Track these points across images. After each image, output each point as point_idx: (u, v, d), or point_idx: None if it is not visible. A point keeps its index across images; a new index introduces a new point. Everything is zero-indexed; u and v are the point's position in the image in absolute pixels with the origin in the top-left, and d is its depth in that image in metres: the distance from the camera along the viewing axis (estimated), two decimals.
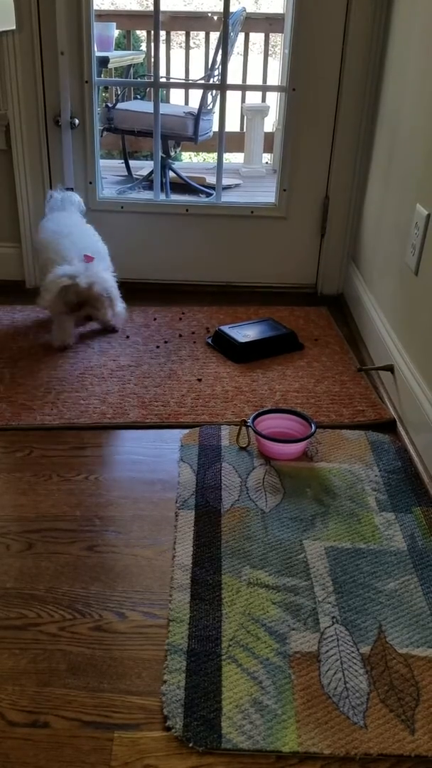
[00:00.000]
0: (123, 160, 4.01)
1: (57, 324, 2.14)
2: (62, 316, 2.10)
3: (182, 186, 3.75)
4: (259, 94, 4.91)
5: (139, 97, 4.76)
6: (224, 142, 2.60)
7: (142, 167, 4.08)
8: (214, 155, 3.91)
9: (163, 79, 4.39)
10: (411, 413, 1.72)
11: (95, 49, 2.40)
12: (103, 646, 1.16)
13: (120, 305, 2.10)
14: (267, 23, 4.60)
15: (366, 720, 1.04)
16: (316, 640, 1.16)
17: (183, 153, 5.34)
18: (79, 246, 2.07)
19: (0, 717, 1.04)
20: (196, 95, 4.12)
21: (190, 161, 5.45)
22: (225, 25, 2.59)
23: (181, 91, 5.04)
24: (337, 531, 1.42)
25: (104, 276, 2.04)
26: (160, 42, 3.00)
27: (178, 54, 5.04)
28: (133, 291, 2.63)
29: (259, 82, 4.81)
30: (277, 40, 4.77)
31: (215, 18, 4.68)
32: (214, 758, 0.99)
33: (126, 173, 3.97)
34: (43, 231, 2.20)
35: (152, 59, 2.83)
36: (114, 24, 4.15)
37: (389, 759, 0.99)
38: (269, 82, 4.83)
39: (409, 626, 1.20)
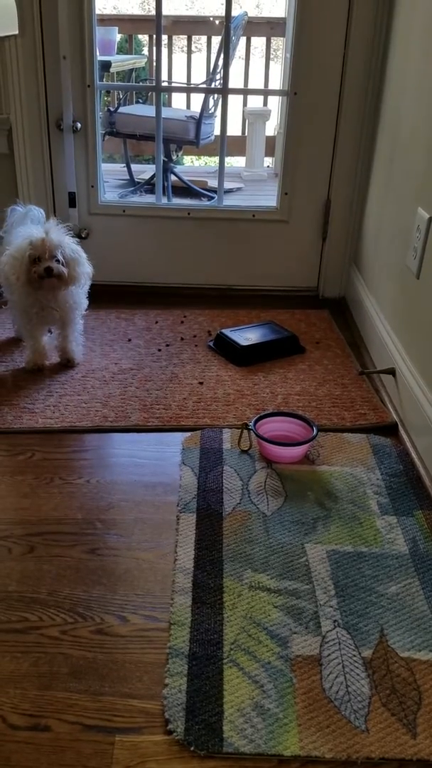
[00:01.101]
0: (125, 164, 4.02)
1: (31, 344, 2.03)
2: (34, 330, 2.00)
3: (184, 190, 3.75)
4: (260, 98, 4.93)
5: (140, 101, 4.77)
6: (226, 145, 2.61)
7: (144, 171, 4.08)
8: (216, 159, 3.92)
9: (164, 83, 4.40)
10: (413, 416, 1.72)
11: (97, 53, 2.41)
12: (105, 649, 1.16)
13: (86, 267, 1.95)
14: (268, 27, 4.61)
15: (368, 724, 1.03)
16: (317, 644, 1.16)
17: (185, 157, 5.34)
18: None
19: (1, 720, 1.04)
20: (197, 99, 4.13)
21: (192, 165, 5.45)
22: (227, 29, 2.59)
23: (183, 95, 5.05)
24: (338, 534, 1.42)
25: (64, 234, 1.92)
26: (162, 46, 3.01)
27: (179, 58, 5.05)
28: (135, 294, 2.64)
29: (261, 86, 4.81)
30: (279, 44, 4.78)
31: (217, 22, 4.69)
32: (216, 762, 0.99)
33: (128, 177, 3.98)
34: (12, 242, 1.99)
35: (154, 63, 2.84)
36: (116, 28, 4.17)
37: (391, 763, 0.99)
38: (271, 86, 4.84)
39: (411, 630, 1.19)
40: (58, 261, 1.87)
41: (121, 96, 4.47)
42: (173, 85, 4.93)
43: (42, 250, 1.85)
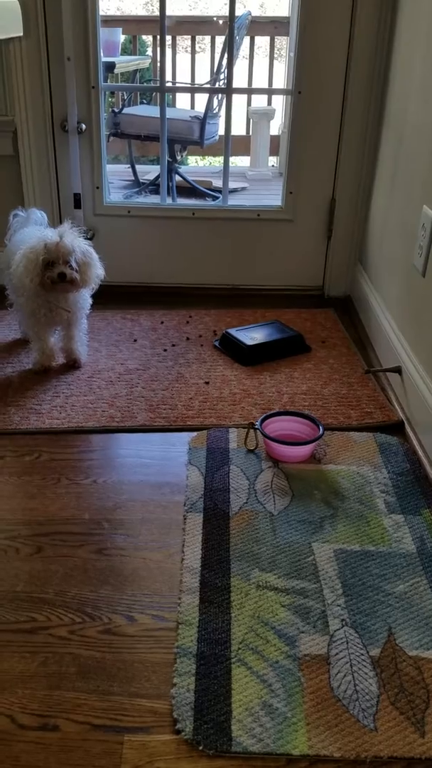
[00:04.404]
0: (129, 165, 4.02)
1: (38, 346, 2.03)
2: (41, 331, 2.00)
3: (189, 190, 3.75)
4: (264, 97, 4.92)
5: (145, 101, 4.77)
6: (230, 145, 2.61)
7: (149, 172, 4.09)
8: (220, 159, 3.91)
9: (169, 84, 4.41)
10: (419, 415, 1.71)
11: (101, 54, 2.41)
12: (113, 649, 1.16)
13: (98, 270, 1.96)
14: (272, 26, 4.60)
15: (376, 723, 1.03)
16: (325, 643, 1.16)
17: (189, 157, 5.35)
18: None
19: (10, 720, 1.04)
20: (202, 99, 4.13)
21: (197, 165, 5.46)
22: (230, 28, 2.59)
23: (187, 95, 5.05)
24: (345, 533, 1.41)
25: (79, 238, 1.92)
26: (166, 46, 3.01)
27: (183, 58, 5.05)
28: (140, 294, 2.64)
29: (265, 86, 4.82)
30: (283, 43, 4.78)
31: (221, 22, 4.69)
32: (224, 761, 0.99)
33: (132, 178, 3.98)
34: (15, 243, 2.02)
35: (158, 64, 2.84)
36: (120, 29, 4.17)
37: (400, 762, 0.99)
38: (275, 86, 4.84)
39: (419, 628, 1.19)
40: (71, 266, 1.87)
41: (125, 97, 4.47)
42: (177, 85, 4.93)
43: (56, 255, 1.86)
